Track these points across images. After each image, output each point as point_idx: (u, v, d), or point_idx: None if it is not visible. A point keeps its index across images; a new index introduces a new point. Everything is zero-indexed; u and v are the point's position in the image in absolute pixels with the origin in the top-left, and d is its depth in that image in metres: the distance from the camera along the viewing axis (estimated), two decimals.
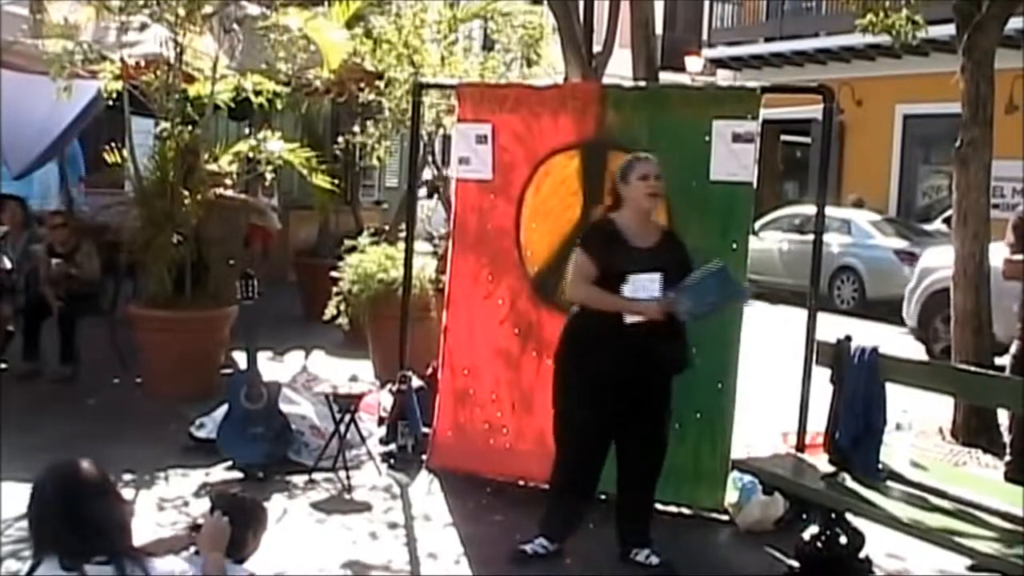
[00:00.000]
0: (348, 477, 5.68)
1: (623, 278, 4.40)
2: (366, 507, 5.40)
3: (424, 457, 5.95)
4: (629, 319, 4.38)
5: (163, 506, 5.22)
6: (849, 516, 4.49)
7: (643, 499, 4.78)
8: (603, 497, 5.46)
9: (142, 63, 7.56)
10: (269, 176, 8.18)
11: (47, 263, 7.86)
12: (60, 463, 2.79)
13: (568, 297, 4.69)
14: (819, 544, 4.55)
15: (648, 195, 4.50)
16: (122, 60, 7.42)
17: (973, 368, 5.55)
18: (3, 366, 7.83)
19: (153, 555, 2.88)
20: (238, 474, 5.70)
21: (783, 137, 21.05)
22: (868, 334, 5.54)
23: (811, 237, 5.72)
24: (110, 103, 7.81)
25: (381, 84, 9.48)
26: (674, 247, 4.61)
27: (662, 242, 4.57)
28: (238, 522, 3.27)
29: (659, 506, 5.38)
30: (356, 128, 10.13)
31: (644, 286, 4.39)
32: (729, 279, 4.48)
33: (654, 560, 4.63)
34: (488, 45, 11.99)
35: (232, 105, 8.20)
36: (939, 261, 9.68)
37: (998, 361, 6.70)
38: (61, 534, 2.64)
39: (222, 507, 3.31)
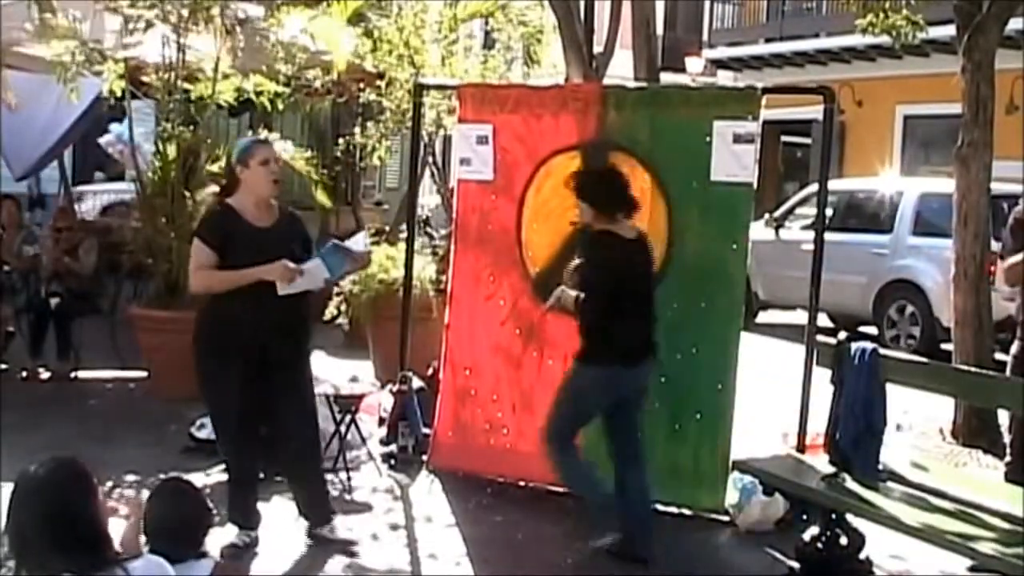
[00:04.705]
0: (348, 478, 5.68)
1: (250, 259, 4.39)
2: (367, 508, 5.39)
3: (425, 458, 5.95)
4: (282, 291, 4.39)
5: None
6: (849, 517, 4.49)
7: (316, 472, 4.85)
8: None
9: (139, 61, 7.56)
10: None
11: (50, 257, 7.87)
12: (41, 467, 2.56)
13: (193, 289, 4.63)
14: (819, 545, 4.55)
15: (271, 181, 4.54)
16: (125, 60, 7.42)
17: (973, 369, 5.55)
18: (3, 366, 7.82)
19: (133, 554, 2.81)
20: None
21: (783, 138, 21.01)
22: None
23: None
24: (112, 103, 7.81)
25: (382, 84, 9.48)
26: (292, 222, 4.65)
27: (281, 220, 4.59)
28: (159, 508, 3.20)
29: (659, 507, 5.38)
30: (356, 129, 10.13)
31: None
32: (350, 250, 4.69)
33: (338, 535, 4.75)
34: (489, 44, 11.98)
35: (234, 104, 8.20)
36: None
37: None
38: (39, 549, 2.47)
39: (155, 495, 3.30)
